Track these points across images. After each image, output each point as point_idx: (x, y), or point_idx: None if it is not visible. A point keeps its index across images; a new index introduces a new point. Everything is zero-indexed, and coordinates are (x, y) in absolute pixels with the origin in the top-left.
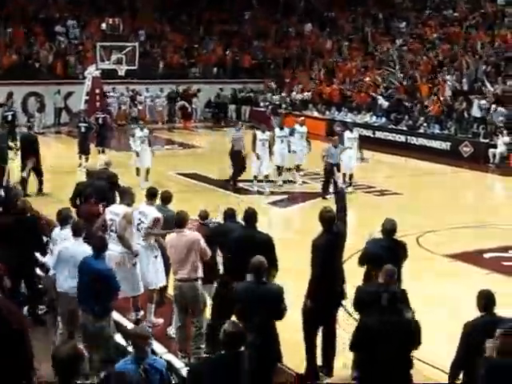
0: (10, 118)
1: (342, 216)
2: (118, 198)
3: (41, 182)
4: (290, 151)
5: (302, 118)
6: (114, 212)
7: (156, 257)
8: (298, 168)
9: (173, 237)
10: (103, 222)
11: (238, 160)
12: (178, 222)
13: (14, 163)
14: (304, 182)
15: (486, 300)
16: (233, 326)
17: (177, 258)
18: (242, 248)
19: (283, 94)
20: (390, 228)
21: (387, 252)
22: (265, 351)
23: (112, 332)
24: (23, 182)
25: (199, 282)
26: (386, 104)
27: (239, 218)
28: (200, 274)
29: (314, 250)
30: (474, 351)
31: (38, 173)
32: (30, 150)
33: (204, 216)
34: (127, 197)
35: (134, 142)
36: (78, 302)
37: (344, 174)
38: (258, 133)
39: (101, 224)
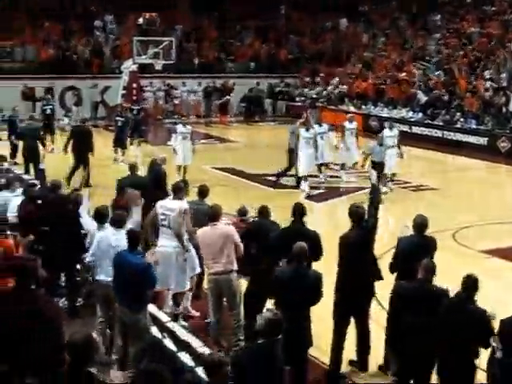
0: (48, 111)
1: (373, 212)
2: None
3: (88, 175)
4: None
5: (351, 114)
6: (167, 207)
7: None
8: (342, 166)
9: (206, 230)
10: (154, 217)
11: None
12: (211, 215)
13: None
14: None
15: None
16: (272, 315)
17: (211, 252)
18: (288, 243)
19: (319, 89)
20: (420, 223)
21: (419, 248)
22: (300, 337)
23: (148, 325)
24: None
25: (235, 274)
26: (424, 99)
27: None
28: (235, 266)
29: (342, 244)
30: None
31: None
32: (84, 142)
33: (243, 212)
34: (181, 192)
35: (175, 138)
36: (114, 294)
37: (385, 174)
38: (302, 130)
39: (152, 219)
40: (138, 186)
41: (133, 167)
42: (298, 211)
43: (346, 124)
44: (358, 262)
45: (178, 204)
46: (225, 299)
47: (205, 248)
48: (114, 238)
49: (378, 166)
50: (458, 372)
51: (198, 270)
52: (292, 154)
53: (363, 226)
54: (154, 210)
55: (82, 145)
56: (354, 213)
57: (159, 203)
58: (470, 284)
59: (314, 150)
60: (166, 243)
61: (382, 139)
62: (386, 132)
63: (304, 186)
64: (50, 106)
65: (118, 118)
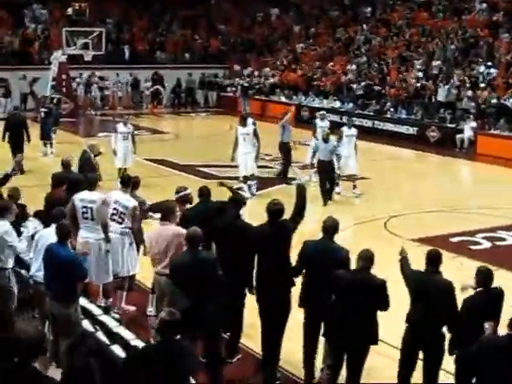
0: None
1: (296, 212)
2: None
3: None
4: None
5: (323, 111)
6: (87, 199)
7: (131, 244)
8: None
9: (156, 228)
10: (71, 210)
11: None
12: (163, 212)
13: None
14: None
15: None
16: (169, 314)
17: (156, 251)
18: (319, 264)
19: (248, 79)
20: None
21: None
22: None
23: (79, 318)
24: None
25: None
26: (358, 89)
27: None
28: None
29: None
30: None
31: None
32: (19, 130)
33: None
34: (95, 184)
35: (114, 138)
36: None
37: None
38: (317, 120)
39: (70, 211)
40: (72, 182)
41: (67, 163)
42: (330, 228)
43: (318, 122)
44: (269, 259)
45: (99, 195)
46: (165, 298)
47: (151, 246)
48: (49, 235)
49: (323, 165)
50: (433, 339)
51: (136, 270)
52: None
53: (277, 224)
54: (70, 203)
55: (17, 133)
56: (271, 210)
57: (77, 196)
58: (434, 257)
59: (252, 147)
60: (87, 235)
61: (341, 137)
62: (345, 130)
63: (245, 187)
64: None
65: (41, 110)
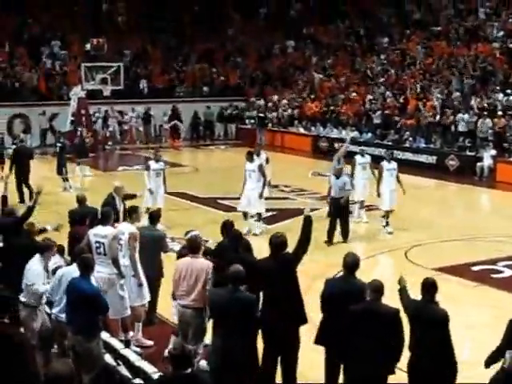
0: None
1: (299, 245)
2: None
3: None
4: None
5: (362, 147)
6: (100, 234)
7: (134, 275)
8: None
9: (185, 260)
10: (86, 245)
11: None
12: (192, 245)
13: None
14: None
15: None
16: (180, 348)
17: (185, 284)
18: (339, 302)
19: (264, 110)
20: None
21: None
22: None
23: (101, 352)
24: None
25: (203, 312)
26: (377, 119)
27: None
28: (203, 303)
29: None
30: None
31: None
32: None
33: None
34: (109, 218)
35: (148, 176)
36: (66, 324)
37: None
38: (357, 157)
39: (85, 246)
40: (86, 216)
41: (82, 199)
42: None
43: (358, 158)
44: (274, 290)
45: (110, 230)
46: (190, 331)
47: (179, 278)
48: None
49: (334, 202)
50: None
51: (148, 298)
52: None
53: (280, 256)
54: (85, 239)
55: (24, 165)
56: (273, 243)
57: (91, 231)
58: (428, 286)
59: (256, 183)
60: (101, 269)
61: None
62: (358, 158)
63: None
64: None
65: (57, 144)
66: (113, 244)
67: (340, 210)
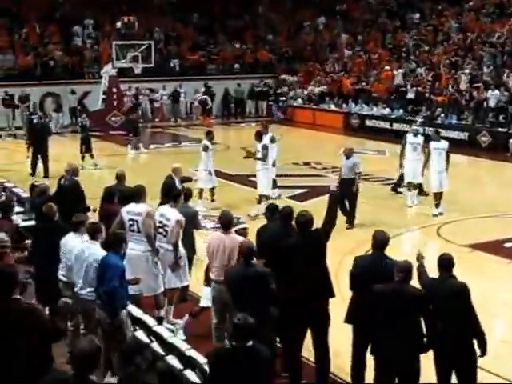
0: (35, 121)
1: (327, 223)
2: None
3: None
4: None
5: (415, 126)
6: (134, 212)
7: (180, 257)
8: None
9: (218, 236)
10: (118, 223)
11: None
12: (225, 222)
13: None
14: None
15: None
16: (243, 319)
17: (219, 259)
18: (368, 280)
19: (298, 90)
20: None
21: None
22: None
23: (128, 328)
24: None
25: None
26: (410, 95)
27: None
28: None
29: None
30: None
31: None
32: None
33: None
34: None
35: (207, 157)
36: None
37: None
38: (409, 135)
39: (119, 224)
40: (125, 196)
41: (121, 176)
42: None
43: (409, 137)
44: (298, 270)
45: (144, 207)
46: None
47: (213, 254)
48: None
49: (342, 183)
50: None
51: (187, 282)
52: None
53: (305, 234)
54: (119, 217)
55: (42, 139)
56: (298, 221)
57: (125, 209)
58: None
59: (262, 163)
60: (135, 247)
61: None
62: (433, 144)
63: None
64: (36, 116)
65: (78, 124)
66: (147, 221)
67: (348, 192)
